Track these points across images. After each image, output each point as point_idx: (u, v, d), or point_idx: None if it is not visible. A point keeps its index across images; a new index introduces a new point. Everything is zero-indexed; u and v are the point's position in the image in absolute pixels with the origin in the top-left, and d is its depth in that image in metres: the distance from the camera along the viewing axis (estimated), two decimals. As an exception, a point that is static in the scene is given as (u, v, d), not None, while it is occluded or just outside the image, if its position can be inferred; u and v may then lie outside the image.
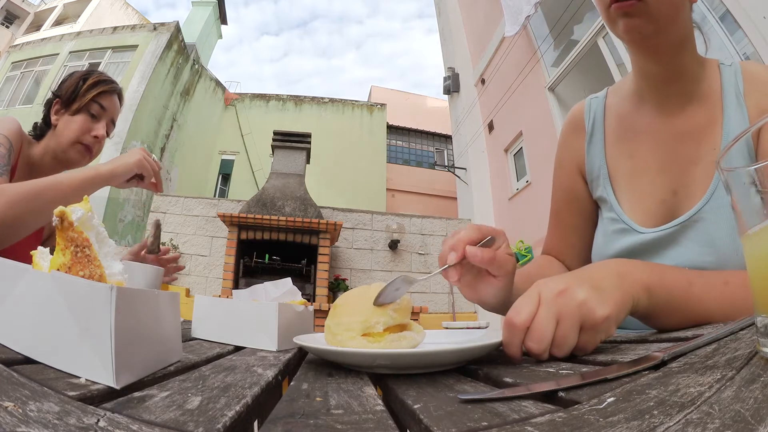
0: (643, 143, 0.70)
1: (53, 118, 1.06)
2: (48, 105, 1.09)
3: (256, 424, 0.23)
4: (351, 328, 0.43)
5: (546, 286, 0.41)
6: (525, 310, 0.39)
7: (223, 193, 10.64)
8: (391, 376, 0.37)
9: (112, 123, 1.13)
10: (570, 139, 0.81)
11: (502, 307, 0.56)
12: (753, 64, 0.67)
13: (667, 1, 0.60)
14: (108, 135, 1.13)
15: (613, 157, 0.74)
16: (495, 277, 0.53)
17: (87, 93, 1.06)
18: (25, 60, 9.89)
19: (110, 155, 7.96)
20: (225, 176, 10.92)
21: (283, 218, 4.85)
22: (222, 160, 10.97)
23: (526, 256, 4.80)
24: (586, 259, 0.78)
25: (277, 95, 11.82)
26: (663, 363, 0.29)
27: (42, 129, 1.09)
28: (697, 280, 0.48)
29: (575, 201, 0.80)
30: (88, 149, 1.07)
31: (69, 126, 1.05)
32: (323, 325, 0.47)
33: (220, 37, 13.73)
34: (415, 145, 12.45)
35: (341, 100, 11.90)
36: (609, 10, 0.62)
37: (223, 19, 13.43)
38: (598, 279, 0.42)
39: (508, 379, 0.33)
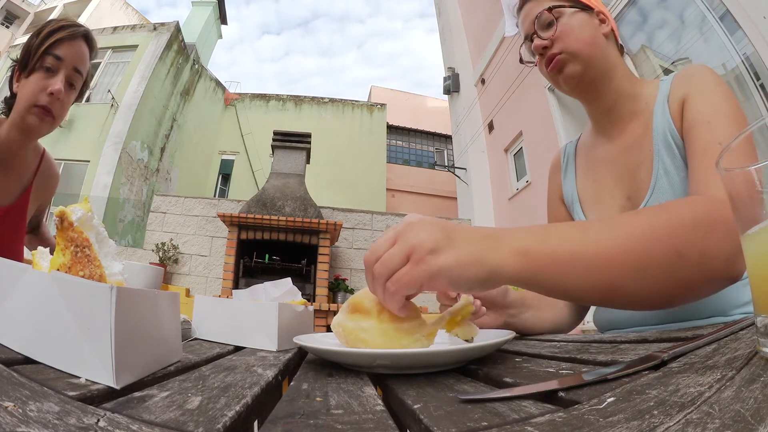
0: (602, 168, 0.81)
1: (15, 87, 0.93)
2: (12, 74, 0.95)
3: (256, 424, 0.23)
4: (414, 331, 0.41)
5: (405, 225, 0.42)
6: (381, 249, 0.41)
7: (223, 193, 10.63)
8: (391, 376, 0.37)
9: (76, 72, 0.94)
10: (552, 177, 0.95)
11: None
12: (685, 68, 0.73)
13: (580, 41, 0.73)
14: (74, 87, 0.96)
15: (582, 185, 0.85)
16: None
17: (40, 46, 0.90)
18: (25, 60, 9.88)
19: (110, 156, 7.98)
20: (225, 176, 10.92)
21: (283, 218, 4.85)
22: (222, 160, 10.96)
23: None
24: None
25: (277, 95, 11.82)
26: (663, 363, 0.29)
27: (8, 103, 0.96)
28: (594, 225, 0.44)
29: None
30: (46, 111, 0.91)
31: (23, 91, 0.91)
32: (323, 325, 0.45)
33: (220, 37, 13.73)
34: (415, 145, 12.44)
35: (341, 100, 11.89)
36: (550, 74, 0.76)
37: (223, 19, 13.42)
38: (458, 230, 0.41)
39: (508, 379, 0.33)
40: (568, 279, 0.41)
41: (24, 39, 11.30)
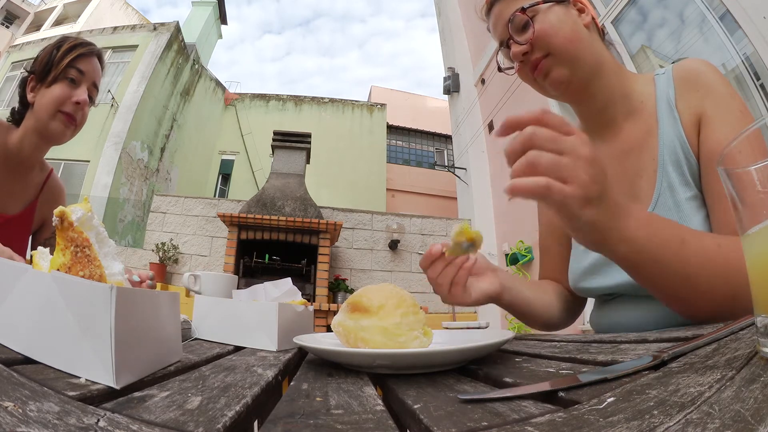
0: None
1: (29, 96, 0.98)
2: (23, 85, 1.00)
3: (256, 424, 0.23)
4: (414, 327, 0.41)
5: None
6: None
7: (223, 193, 10.63)
8: (391, 376, 0.37)
9: (94, 87, 1.03)
10: None
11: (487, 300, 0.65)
12: (683, 65, 0.68)
13: (561, 38, 0.66)
14: (92, 100, 1.03)
15: None
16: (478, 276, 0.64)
17: (62, 59, 0.97)
18: (25, 60, 9.87)
19: (110, 156, 7.98)
20: (225, 176, 10.91)
21: (283, 218, 4.85)
22: (222, 160, 10.96)
23: (526, 256, 4.79)
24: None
25: (277, 95, 11.81)
26: (663, 363, 0.29)
27: (20, 112, 1.01)
28: (691, 239, 0.47)
29: (555, 230, 0.87)
30: (71, 118, 0.98)
31: (46, 97, 0.96)
32: (323, 325, 0.45)
33: (220, 37, 13.72)
34: (415, 145, 12.44)
35: (341, 100, 11.89)
36: (536, 80, 0.70)
37: (223, 19, 13.42)
38: (609, 193, 0.43)
39: (508, 379, 0.33)
40: (658, 273, 0.47)
41: (24, 39, 11.30)
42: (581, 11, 0.70)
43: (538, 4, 0.68)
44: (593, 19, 0.71)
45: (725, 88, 0.62)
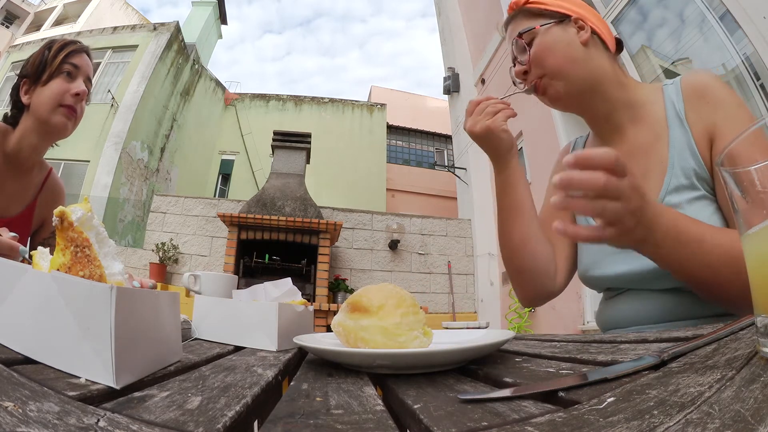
0: None
1: (24, 99, 0.99)
2: (15, 90, 1.01)
3: (256, 424, 0.23)
4: (414, 327, 0.42)
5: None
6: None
7: (223, 193, 10.62)
8: (391, 376, 0.37)
9: (88, 81, 1.05)
10: (558, 164, 0.93)
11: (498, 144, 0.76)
12: (692, 77, 0.72)
13: (557, 60, 0.71)
14: (88, 93, 1.05)
15: None
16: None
17: (56, 56, 0.99)
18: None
19: (110, 156, 7.98)
20: (225, 176, 10.91)
21: (283, 218, 4.84)
22: (222, 160, 10.95)
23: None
24: (565, 259, 0.84)
25: (277, 95, 11.80)
26: (663, 363, 0.29)
27: (15, 116, 1.02)
28: (709, 237, 0.54)
29: (558, 212, 0.88)
30: (71, 110, 1.00)
31: (45, 94, 0.97)
32: (323, 325, 0.45)
33: (220, 37, 13.72)
34: (415, 145, 12.43)
35: (341, 100, 11.88)
36: (538, 95, 0.77)
37: (223, 19, 13.42)
38: (649, 229, 0.49)
39: (508, 379, 0.33)
40: (684, 266, 0.54)
41: (24, 39, 11.29)
42: (581, 28, 0.73)
43: (533, 28, 0.74)
44: (595, 33, 0.74)
45: (734, 100, 0.66)
